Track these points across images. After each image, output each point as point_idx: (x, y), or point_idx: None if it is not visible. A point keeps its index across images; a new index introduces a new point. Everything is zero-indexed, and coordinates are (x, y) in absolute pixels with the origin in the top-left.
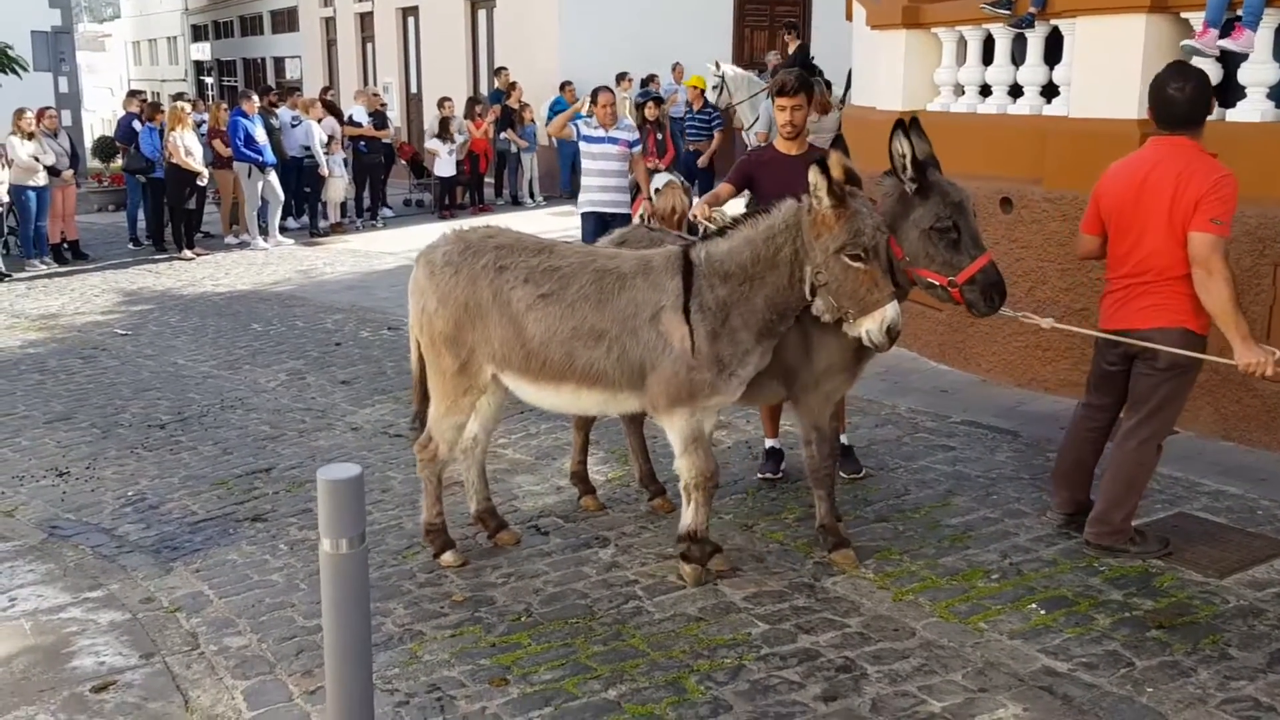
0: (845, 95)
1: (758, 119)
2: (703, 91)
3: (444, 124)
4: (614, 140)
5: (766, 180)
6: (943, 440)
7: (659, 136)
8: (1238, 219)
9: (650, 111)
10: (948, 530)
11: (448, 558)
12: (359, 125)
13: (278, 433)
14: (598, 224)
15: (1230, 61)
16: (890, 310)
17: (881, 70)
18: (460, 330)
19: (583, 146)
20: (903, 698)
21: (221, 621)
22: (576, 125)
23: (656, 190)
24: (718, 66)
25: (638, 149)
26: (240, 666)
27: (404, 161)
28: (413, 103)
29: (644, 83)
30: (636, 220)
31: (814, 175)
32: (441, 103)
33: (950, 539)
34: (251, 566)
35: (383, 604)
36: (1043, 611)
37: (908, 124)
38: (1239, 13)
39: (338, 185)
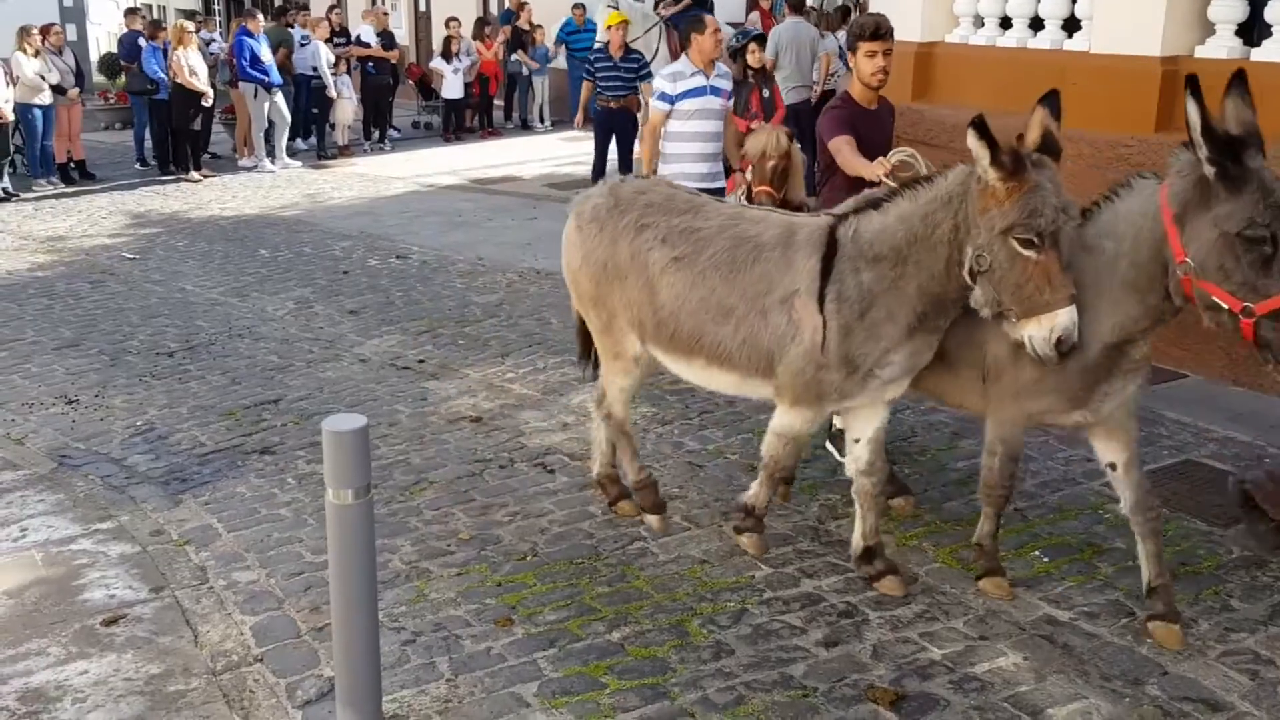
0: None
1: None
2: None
3: (446, 43)
4: (717, 91)
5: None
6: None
7: (764, 92)
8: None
9: (754, 57)
10: (953, 474)
11: (654, 522)
12: (366, 45)
13: (285, 363)
14: None
15: None
16: (1063, 317)
17: None
18: (601, 291)
19: (660, 105)
20: (903, 644)
21: (230, 556)
22: (655, 85)
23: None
24: None
25: (731, 101)
26: (249, 602)
27: (411, 83)
28: (421, 22)
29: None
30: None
31: (972, 140)
32: (448, 22)
33: (955, 483)
34: (260, 500)
35: (390, 540)
36: (1046, 559)
37: (1225, 82)
38: None
39: (346, 107)
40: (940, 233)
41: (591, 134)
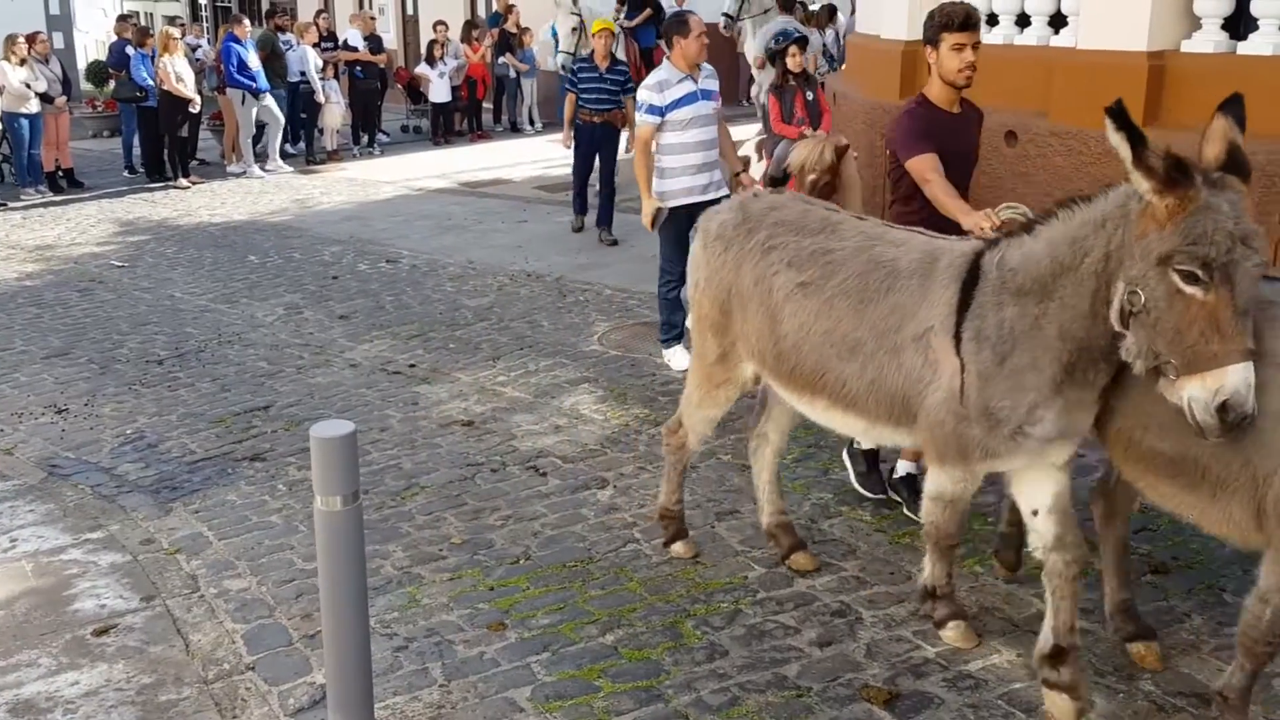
0: None
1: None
2: (612, 39)
3: (430, 47)
4: (708, 95)
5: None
6: None
7: (808, 95)
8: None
9: (794, 60)
10: None
11: (678, 548)
12: (354, 49)
13: (275, 369)
14: (687, 224)
15: None
16: (1234, 376)
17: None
18: (724, 316)
19: (649, 118)
20: (897, 643)
21: (221, 564)
22: (641, 98)
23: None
24: None
25: (719, 102)
26: (240, 609)
27: (400, 86)
28: (409, 26)
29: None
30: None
31: (1110, 132)
32: (435, 26)
33: None
34: (250, 507)
35: (381, 546)
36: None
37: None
38: None
39: (334, 112)
40: (1090, 262)
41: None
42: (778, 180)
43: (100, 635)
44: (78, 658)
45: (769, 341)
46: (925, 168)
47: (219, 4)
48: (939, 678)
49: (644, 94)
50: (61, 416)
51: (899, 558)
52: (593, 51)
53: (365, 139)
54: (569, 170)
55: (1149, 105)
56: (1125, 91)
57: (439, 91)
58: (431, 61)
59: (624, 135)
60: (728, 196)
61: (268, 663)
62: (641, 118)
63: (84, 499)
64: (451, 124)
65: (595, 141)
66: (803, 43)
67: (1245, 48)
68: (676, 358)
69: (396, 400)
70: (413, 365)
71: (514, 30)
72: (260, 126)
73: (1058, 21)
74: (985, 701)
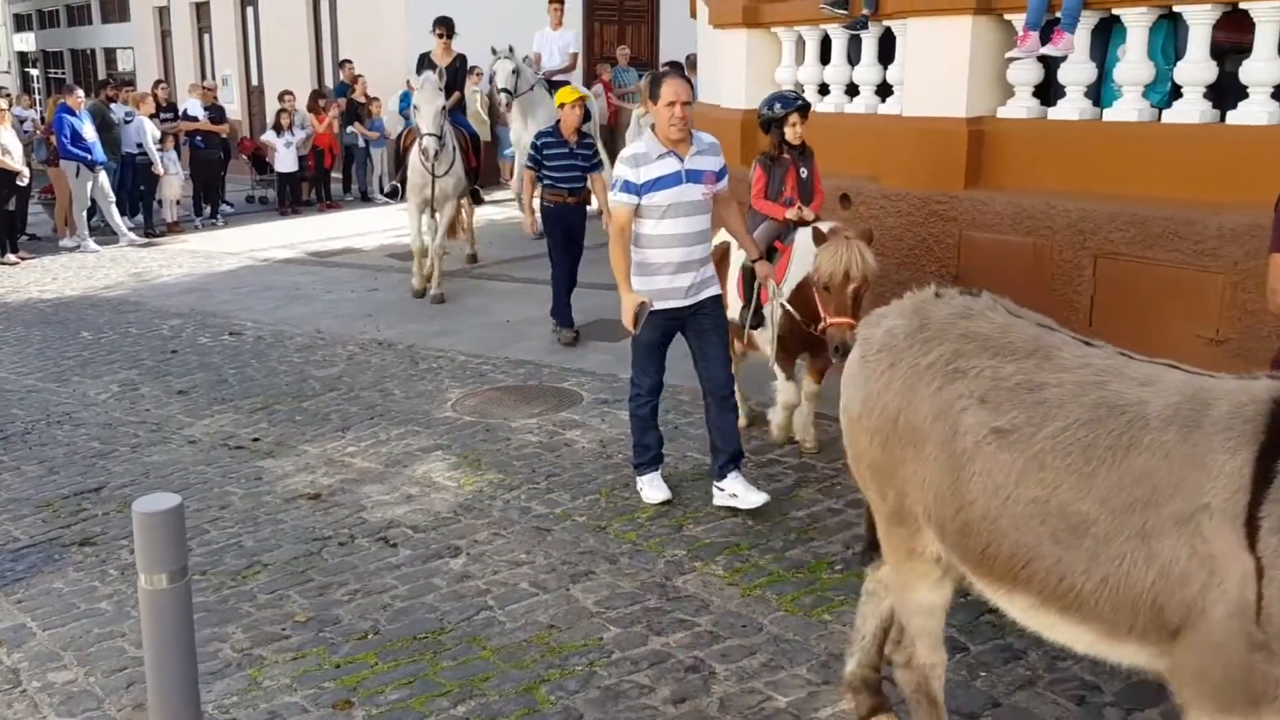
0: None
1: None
2: (585, 110)
3: (278, 116)
4: (696, 176)
5: None
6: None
7: (802, 171)
8: (1059, 212)
9: (793, 131)
10: (794, 523)
11: None
12: (194, 119)
13: (108, 449)
14: (667, 329)
15: (1051, 61)
16: None
17: (724, 68)
18: (888, 457)
19: (623, 199)
20: (749, 695)
21: (46, 655)
22: (616, 172)
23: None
24: (510, 54)
25: (724, 183)
26: (66, 703)
27: (245, 156)
28: (254, 95)
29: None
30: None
31: None
32: (282, 96)
33: (796, 531)
34: (79, 595)
35: (220, 629)
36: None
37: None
38: (1058, 14)
39: (173, 183)
40: None
41: (542, 238)
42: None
43: None
44: None
45: (950, 506)
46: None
47: (50, 75)
48: None
49: (619, 168)
50: None
51: (750, 610)
52: (558, 123)
53: (208, 210)
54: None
55: (970, 168)
56: (948, 155)
57: (285, 161)
58: (278, 131)
59: (602, 218)
60: (716, 298)
61: None
62: (615, 196)
63: None
64: (299, 194)
65: (570, 223)
66: (805, 110)
67: (1055, 113)
68: (648, 488)
69: (239, 476)
70: (256, 439)
71: (362, 99)
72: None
73: (884, 90)
74: None
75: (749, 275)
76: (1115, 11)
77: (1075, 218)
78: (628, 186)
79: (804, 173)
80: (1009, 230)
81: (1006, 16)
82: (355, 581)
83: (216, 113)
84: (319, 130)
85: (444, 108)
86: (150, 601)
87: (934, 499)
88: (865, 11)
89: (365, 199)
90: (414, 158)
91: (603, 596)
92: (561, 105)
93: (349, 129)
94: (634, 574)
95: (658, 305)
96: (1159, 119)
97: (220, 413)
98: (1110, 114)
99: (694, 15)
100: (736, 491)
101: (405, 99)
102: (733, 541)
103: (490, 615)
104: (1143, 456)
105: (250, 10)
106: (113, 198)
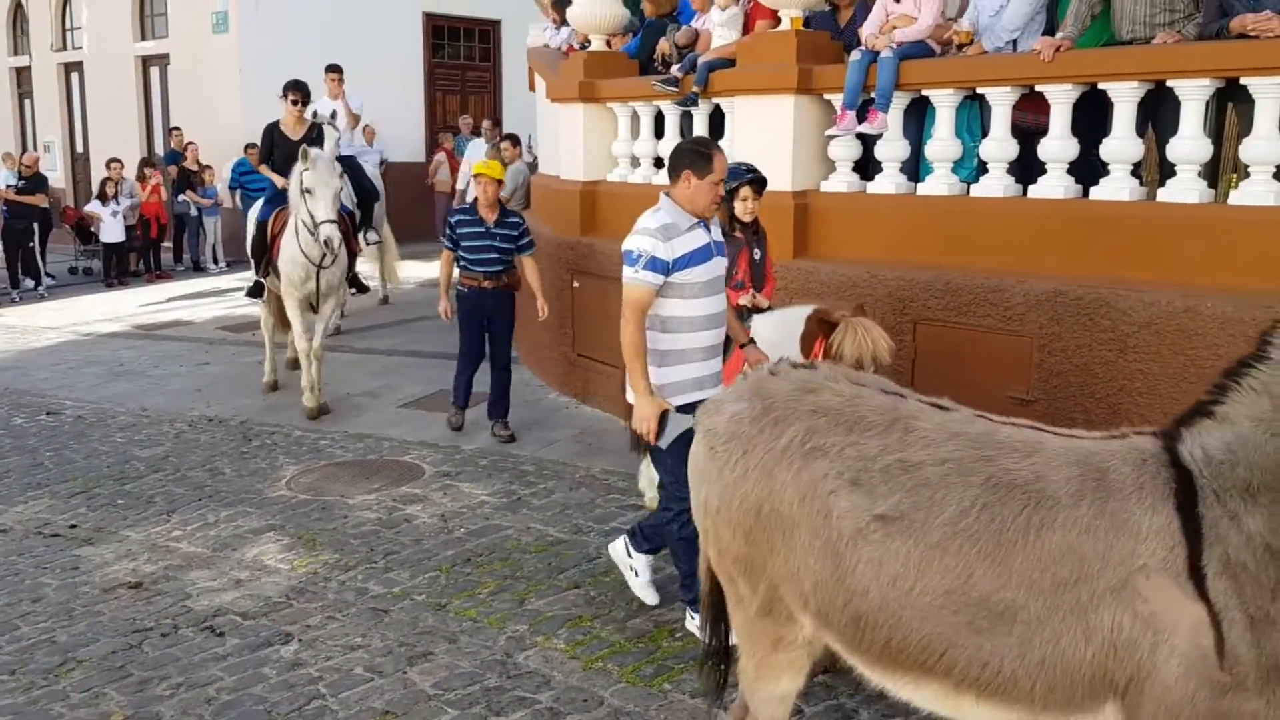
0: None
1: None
2: (499, 187)
3: (103, 184)
4: (723, 249)
5: None
6: (634, 500)
7: (756, 253)
8: (880, 281)
9: (744, 206)
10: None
11: None
12: (8, 189)
13: None
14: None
15: (869, 138)
16: None
17: (563, 141)
18: (754, 548)
19: (647, 279)
20: None
21: None
22: (637, 246)
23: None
24: (331, 120)
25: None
26: None
27: (68, 226)
28: (79, 163)
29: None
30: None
31: None
32: (109, 164)
33: (638, 601)
34: None
35: None
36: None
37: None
38: (873, 95)
39: None
40: None
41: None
42: None
43: None
44: None
45: (835, 596)
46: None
47: None
48: None
49: (640, 240)
50: None
51: (592, 683)
52: (475, 201)
53: (30, 283)
54: (255, 308)
55: (797, 239)
56: (776, 227)
57: (112, 231)
58: (104, 200)
59: (538, 301)
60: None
61: None
62: (636, 275)
63: None
64: (126, 265)
65: (486, 311)
66: (759, 184)
67: (873, 187)
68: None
69: (53, 566)
70: (74, 526)
71: (194, 167)
72: None
73: None
74: None
75: None
76: (925, 93)
77: (895, 286)
78: (655, 264)
79: (757, 254)
80: (834, 298)
81: (826, 96)
82: (178, 675)
83: (36, 181)
84: (143, 199)
85: (340, 190)
86: None
87: (813, 588)
88: (695, 89)
89: (198, 269)
90: (289, 247)
91: (441, 678)
92: (478, 176)
93: (180, 197)
94: (474, 652)
95: (685, 399)
96: (968, 193)
97: (35, 498)
98: (924, 188)
99: (532, 89)
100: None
101: (238, 167)
102: (575, 614)
103: (323, 704)
104: (1059, 534)
105: (75, 75)
106: None
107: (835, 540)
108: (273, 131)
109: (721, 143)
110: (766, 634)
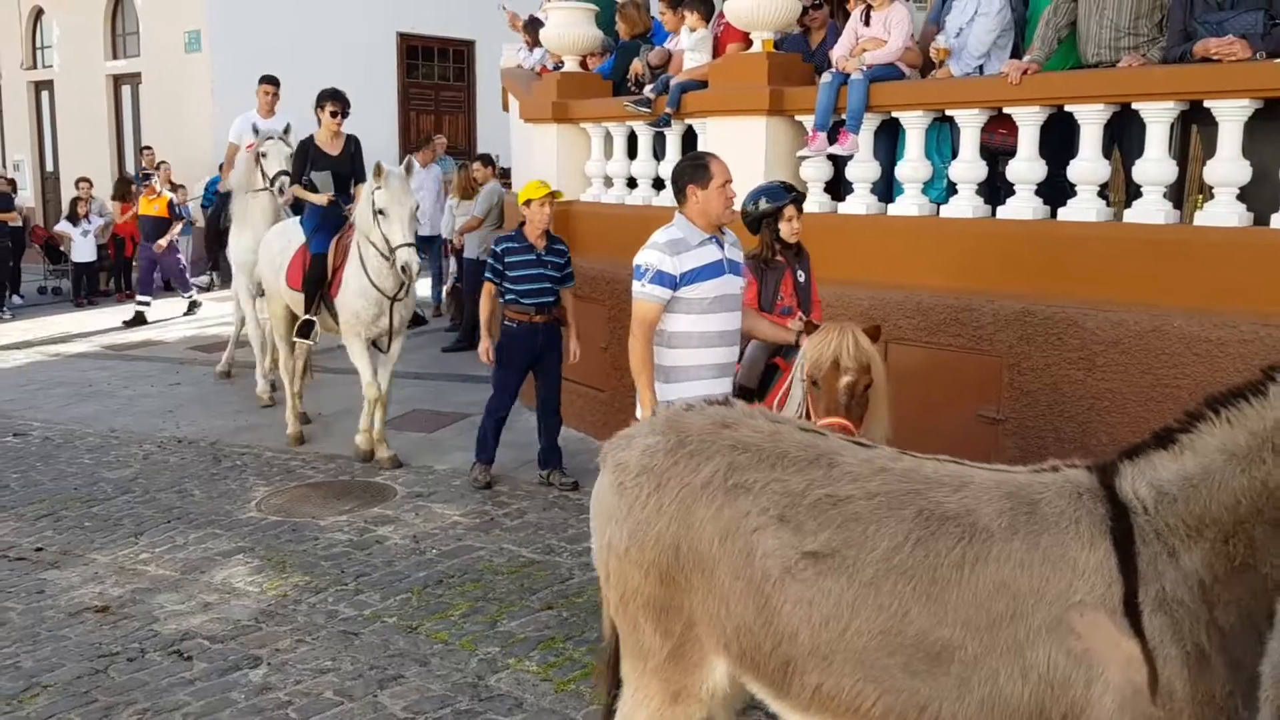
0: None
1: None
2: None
3: (74, 204)
4: (736, 267)
5: None
6: None
7: (799, 275)
8: (852, 300)
9: (789, 226)
10: None
11: None
12: None
13: None
14: None
15: (840, 160)
16: None
17: (536, 161)
18: (669, 589)
19: (655, 293)
20: None
21: None
22: (646, 261)
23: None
24: (284, 136)
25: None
26: None
27: (38, 246)
28: (49, 182)
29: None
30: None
31: None
32: (78, 183)
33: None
34: None
35: None
36: None
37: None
38: (844, 116)
39: None
40: (1275, 479)
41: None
42: (748, 392)
43: None
44: None
45: (762, 640)
46: None
47: None
48: None
49: (649, 255)
50: None
51: (564, 705)
52: (521, 227)
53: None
54: (226, 327)
55: None
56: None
57: (82, 251)
58: (74, 219)
59: (572, 343)
60: None
61: None
62: (645, 289)
63: None
64: (96, 284)
65: (536, 349)
66: (800, 201)
67: (844, 207)
68: None
69: (18, 590)
70: (39, 549)
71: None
72: None
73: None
74: None
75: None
76: (895, 114)
77: (867, 305)
78: (661, 278)
79: (801, 276)
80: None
81: (797, 118)
82: (145, 700)
83: (3, 201)
84: (119, 220)
85: (416, 208)
86: None
87: (735, 631)
88: (668, 110)
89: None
90: (355, 280)
91: (411, 701)
92: (527, 203)
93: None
94: (445, 675)
95: None
96: (938, 213)
97: (0, 521)
98: (894, 209)
99: (506, 108)
100: None
101: (214, 182)
102: (547, 635)
103: None
104: (993, 568)
105: (45, 95)
106: None
107: (761, 581)
108: (308, 147)
109: (665, 164)
110: (668, 685)
